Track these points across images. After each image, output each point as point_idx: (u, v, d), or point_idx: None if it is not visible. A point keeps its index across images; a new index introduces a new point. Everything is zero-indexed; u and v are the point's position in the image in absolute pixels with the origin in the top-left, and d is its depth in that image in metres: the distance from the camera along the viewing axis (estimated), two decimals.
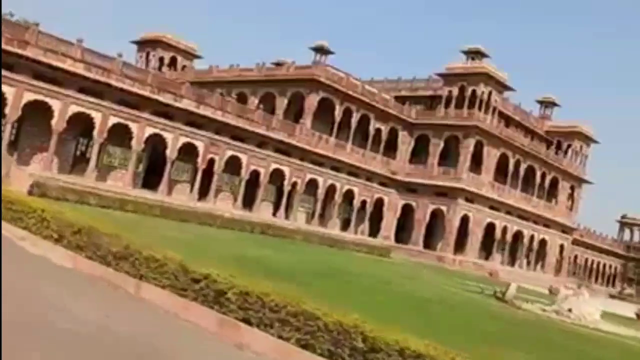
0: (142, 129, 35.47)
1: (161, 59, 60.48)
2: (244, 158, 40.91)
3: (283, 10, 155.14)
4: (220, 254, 17.95)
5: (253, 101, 49.08)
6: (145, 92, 35.01)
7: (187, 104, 37.06)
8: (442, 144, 51.34)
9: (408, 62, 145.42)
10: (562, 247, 64.41)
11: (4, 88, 29.84)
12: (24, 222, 13.69)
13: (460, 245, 50.60)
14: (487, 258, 54.63)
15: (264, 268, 16.96)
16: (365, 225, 50.97)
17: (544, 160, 58.43)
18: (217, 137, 39.15)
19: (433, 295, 21.74)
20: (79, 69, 32.08)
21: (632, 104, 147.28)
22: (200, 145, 38.42)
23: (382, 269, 30.05)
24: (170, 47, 61.55)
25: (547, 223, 60.44)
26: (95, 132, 33.65)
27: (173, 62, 61.40)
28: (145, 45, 62.40)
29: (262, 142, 41.84)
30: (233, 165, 40.71)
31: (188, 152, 38.15)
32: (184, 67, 61.88)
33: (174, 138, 37.04)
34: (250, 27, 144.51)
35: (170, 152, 37.03)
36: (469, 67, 51.10)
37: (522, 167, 56.09)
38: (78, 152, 36.18)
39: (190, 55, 63.73)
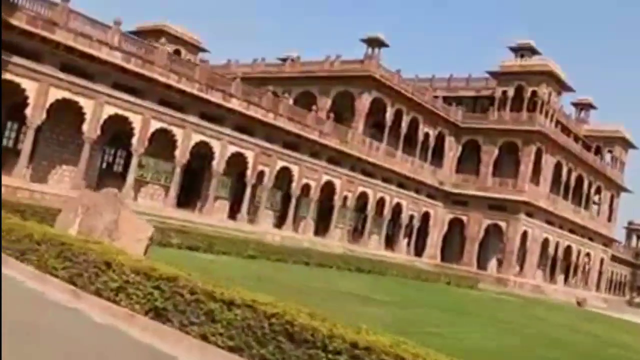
0: (188, 136, 28.49)
1: None
2: (295, 170, 34.22)
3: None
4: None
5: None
6: (194, 90, 28.04)
7: (237, 105, 30.20)
8: (496, 151, 45.52)
9: (431, 59, 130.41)
10: (602, 260, 59.57)
11: (25, 83, 22.58)
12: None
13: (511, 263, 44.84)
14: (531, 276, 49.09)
15: None
16: (412, 244, 44.75)
17: (592, 168, 53.31)
18: (268, 145, 32.39)
19: None
20: (117, 59, 24.95)
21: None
22: (250, 155, 31.58)
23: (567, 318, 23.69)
24: (175, 39, 54.05)
25: (592, 236, 55.41)
26: (134, 140, 26.54)
27: (177, 56, 53.92)
28: (143, 36, 54.68)
29: (315, 150, 35.22)
30: (282, 179, 34.01)
31: (233, 163, 31.27)
32: (188, 61, 54.43)
33: (222, 146, 30.15)
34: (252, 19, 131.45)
35: (218, 164, 30.11)
36: (528, 65, 45.38)
37: (573, 176, 50.82)
38: (104, 164, 28.94)
39: (195, 48, 56.28)
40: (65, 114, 24.65)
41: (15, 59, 22.10)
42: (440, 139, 46.03)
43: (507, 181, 44.66)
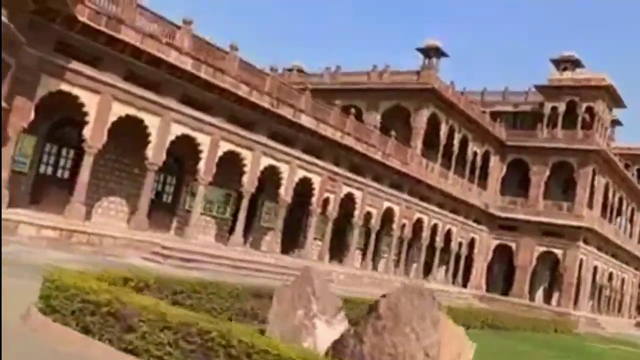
0: (257, 160, 23.72)
1: None
2: (358, 196, 29.71)
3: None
4: None
5: None
6: (264, 104, 23.32)
7: (306, 122, 25.59)
8: (547, 172, 41.82)
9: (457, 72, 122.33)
10: (632, 284, 56.52)
11: (84, 96, 17.58)
12: None
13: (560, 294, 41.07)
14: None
15: None
16: (458, 274, 40.57)
17: (632, 189, 50.22)
18: (335, 168, 27.84)
19: None
20: (187, 66, 20.09)
21: None
22: (316, 181, 26.97)
23: None
24: None
25: (628, 260, 52.31)
26: (202, 165, 21.65)
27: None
28: None
29: (378, 174, 30.82)
30: (346, 207, 29.49)
31: (296, 190, 26.60)
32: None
33: (291, 171, 25.48)
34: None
35: (285, 192, 25.40)
36: (583, 79, 41.86)
37: (617, 197, 47.59)
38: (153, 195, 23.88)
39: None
40: (120, 134, 19.65)
41: (74, 65, 17.10)
42: (485, 157, 42.15)
43: (562, 204, 40.97)
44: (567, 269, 39.65)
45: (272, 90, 23.75)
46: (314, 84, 38.48)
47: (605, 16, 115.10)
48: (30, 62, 15.79)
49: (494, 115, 44.73)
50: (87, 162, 18.13)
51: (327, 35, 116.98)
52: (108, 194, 21.37)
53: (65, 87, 17.05)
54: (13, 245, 14.89)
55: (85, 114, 17.70)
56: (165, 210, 23.77)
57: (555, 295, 42.70)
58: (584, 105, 41.45)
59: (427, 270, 37.09)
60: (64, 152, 20.46)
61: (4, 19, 13.43)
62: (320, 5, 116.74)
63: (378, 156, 30.12)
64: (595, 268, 44.12)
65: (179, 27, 20.04)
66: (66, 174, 20.59)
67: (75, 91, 17.33)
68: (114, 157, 21.21)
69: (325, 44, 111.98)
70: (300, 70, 42.59)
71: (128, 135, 20.12)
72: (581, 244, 39.95)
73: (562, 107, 42.12)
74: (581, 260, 40.88)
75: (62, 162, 20.52)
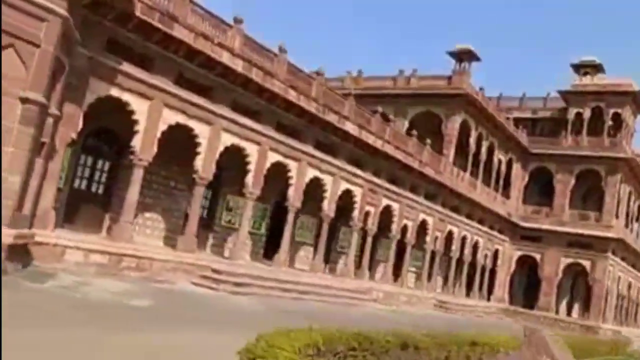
0: (302, 172, 21.80)
1: None
2: (396, 208, 27.92)
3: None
4: None
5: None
6: (312, 110, 21.44)
7: (351, 129, 23.73)
8: (572, 181, 40.42)
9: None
10: None
11: (134, 102, 15.56)
12: None
13: (587, 307, 39.65)
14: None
15: None
16: (484, 286, 38.94)
17: None
18: (375, 179, 26.03)
19: None
20: (238, 66, 18.13)
21: None
22: (358, 193, 25.12)
23: None
24: None
25: None
26: (249, 178, 19.69)
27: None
28: None
29: (415, 184, 29.09)
30: (385, 221, 27.68)
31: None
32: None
33: (334, 184, 23.60)
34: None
35: (328, 207, 23.50)
36: (609, 85, 40.52)
37: (636, 205, 46.39)
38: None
39: None
40: (166, 145, 17.62)
41: (125, 66, 15.07)
42: (508, 165, 40.64)
43: (589, 214, 39.59)
44: (596, 281, 38.22)
45: (319, 96, 21.87)
46: (334, 89, 36.67)
47: (616, 19, 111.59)
48: (81, 63, 13.75)
49: (513, 122, 43.29)
50: (137, 176, 16.07)
51: (329, 39, 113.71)
52: (144, 209, 19.29)
53: (115, 92, 15.00)
54: (64, 275, 12.87)
55: (135, 122, 15.66)
56: (201, 226, 21.73)
57: (576, 307, 41.44)
58: (611, 111, 40.16)
59: (455, 284, 35.43)
60: (99, 164, 18.38)
61: (63, 11, 11.45)
62: (321, 8, 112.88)
63: (416, 165, 28.37)
64: (619, 279, 42.85)
65: (230, 26, 18.05)
66: (101, 189, 18.50)
67: (125, 96, 15.29)
68: (150, 169, 19.16)
69: (330, 50, 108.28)
70: (319, 74, 40.60)
71: (168, 145, 18.11)
72: (610, 255, 38.59)
73: (587, 113, 40.79)
74: (608, 272, 39.51)
75: (96, 175, 18.43)
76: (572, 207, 40.52)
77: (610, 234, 38.12)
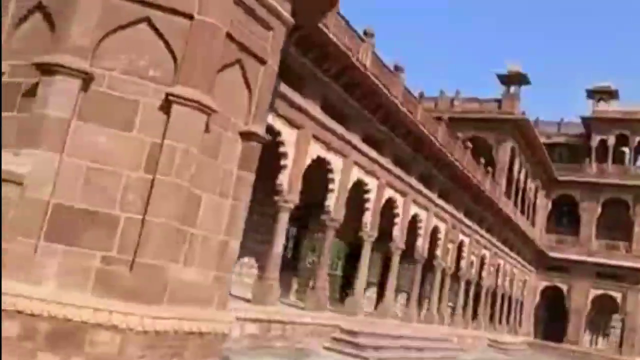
0: (407, 207, 19.08)
1: None
2: (466, 243, 25.51)
3: None
4: None
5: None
6: (436, 141, 18.84)
7: (446, 157, 21.18)
8: (599, 209, 39.19)
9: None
10: None
11: (284, 133, 12.58)
12: None
13: (619, 341, 38.36)
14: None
15: None
16: (514, 320, 36.96)
17: None
18: (457, 213, 23.57)
19: None
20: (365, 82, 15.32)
21: None
22: (442, 228, 22.57)
23: None
24: None
25: None
26: (367, 217, 16.80)
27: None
28: None
29: (481, 216, 26.83)
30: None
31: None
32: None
33: (428, 220, 20.97)
34: None
35: (422, 247, 20.82)
36: (634, 112, 39.57)
37: None
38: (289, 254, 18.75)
39: None
40: (267, 177, 14.56)
41: (282, 87, 12.07)
42: (534, 193, 39.07)
43: (618, 244, 38.38)
44: (628, 314, 36.91)
45: (424, 121, 19.26)
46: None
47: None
48: None
49: None
50: (283, 221, 12.96)
51: None
52: (241, 254, 16.08)
53: (269, 118, 11.97)
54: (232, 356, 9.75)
55: (284, 155, 12.62)
56: (285, 270, 18.67)
57: (606, 341, 40.13)
58: (637, 138, 39.26)
59: (489, 318, 33.21)
60: None
61: (288, 16, 8.47)
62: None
63: (489, 196, 26.09)
64: None
65: (363, 41, 15.25)
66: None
67: (278, 125, 12.26)
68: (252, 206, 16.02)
69: None
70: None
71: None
72: None
73: (611, 140, 39.75)
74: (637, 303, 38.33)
75: None
76: (599, 236, 39.26)
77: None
